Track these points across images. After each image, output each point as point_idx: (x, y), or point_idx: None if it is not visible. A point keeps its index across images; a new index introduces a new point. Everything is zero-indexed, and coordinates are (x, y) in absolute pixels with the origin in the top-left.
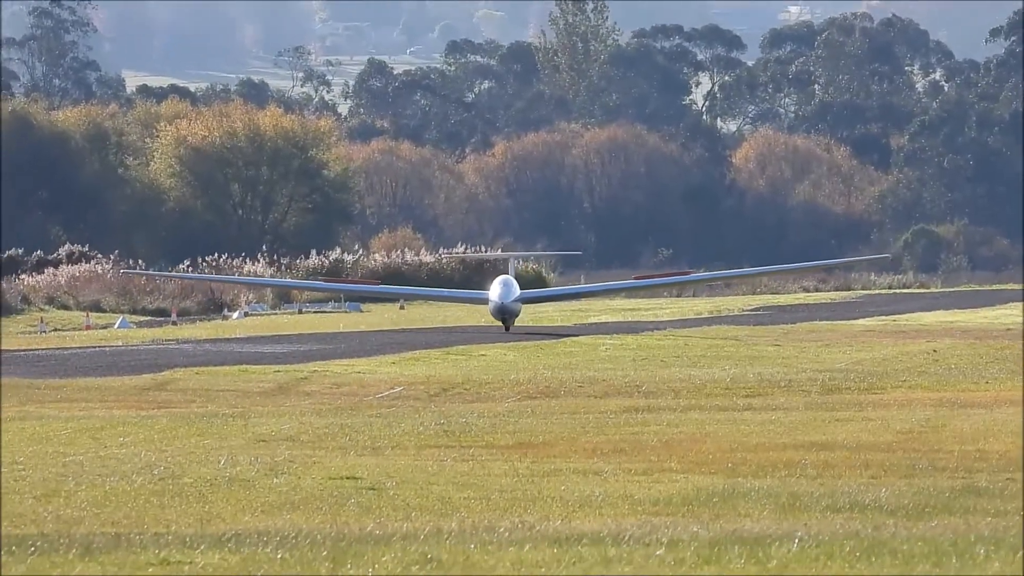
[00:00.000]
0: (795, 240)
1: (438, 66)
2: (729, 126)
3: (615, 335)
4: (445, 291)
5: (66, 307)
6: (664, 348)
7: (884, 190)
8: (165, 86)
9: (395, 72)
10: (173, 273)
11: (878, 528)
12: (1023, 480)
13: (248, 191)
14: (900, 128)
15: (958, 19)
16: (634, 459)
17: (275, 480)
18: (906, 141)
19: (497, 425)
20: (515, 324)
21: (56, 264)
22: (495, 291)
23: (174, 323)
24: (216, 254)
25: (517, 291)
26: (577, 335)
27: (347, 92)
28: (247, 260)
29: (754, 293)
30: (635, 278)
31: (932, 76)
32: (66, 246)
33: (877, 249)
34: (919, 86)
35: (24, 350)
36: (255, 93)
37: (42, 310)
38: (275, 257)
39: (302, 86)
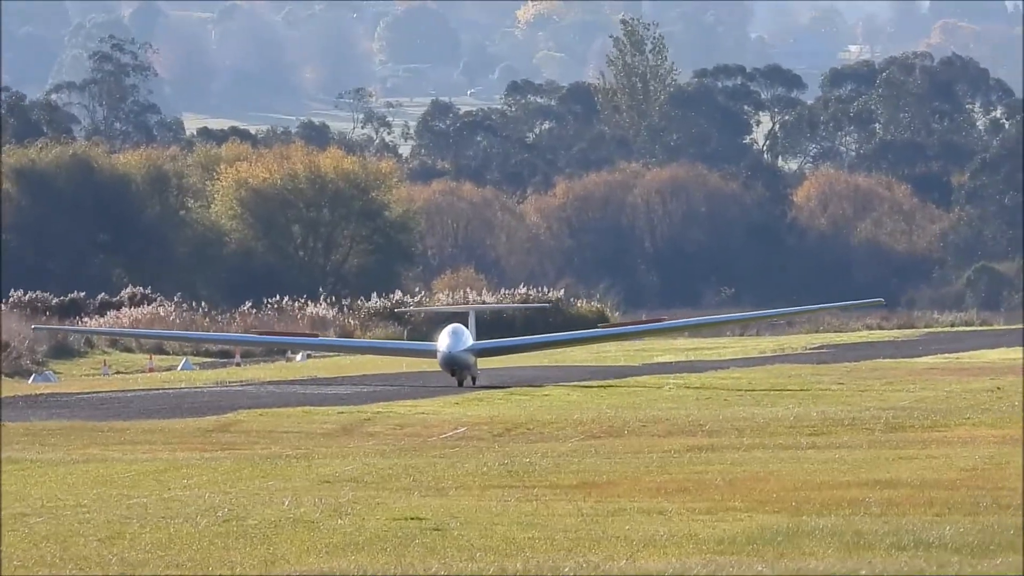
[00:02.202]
0: (858, 278)
1: (498, 107)
2: (790, 165)
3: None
4: (390, 343)
5: (129, 349)
6: (727, 387)
7: (945, 228)
8: (225, 128)
9: (459, 112)
10: (85, 328)
11: (943, 566)
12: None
13: (309, 233)
14: (961, 166)
15: (1019, 57)
16: (698, 498)
17: (339, 521)
18: (967, 179)
19: (560, 465)
20: (478, 375)
21: (119, 306)
22: (443, 341)
23: (237, 364)
24: (278, 295)
25: (468, 341)
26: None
27: (407, 133)
28: (309, 302)
29: (817, 331)
30: (600, 327)
31: (993, 114)
32: (128, 288)
33: (938, 286)
34: (980, 124)
35: (87, 393)
36: (316, 135)
37: (105, 353)
38: (336, 299)
39: (363, 127)
